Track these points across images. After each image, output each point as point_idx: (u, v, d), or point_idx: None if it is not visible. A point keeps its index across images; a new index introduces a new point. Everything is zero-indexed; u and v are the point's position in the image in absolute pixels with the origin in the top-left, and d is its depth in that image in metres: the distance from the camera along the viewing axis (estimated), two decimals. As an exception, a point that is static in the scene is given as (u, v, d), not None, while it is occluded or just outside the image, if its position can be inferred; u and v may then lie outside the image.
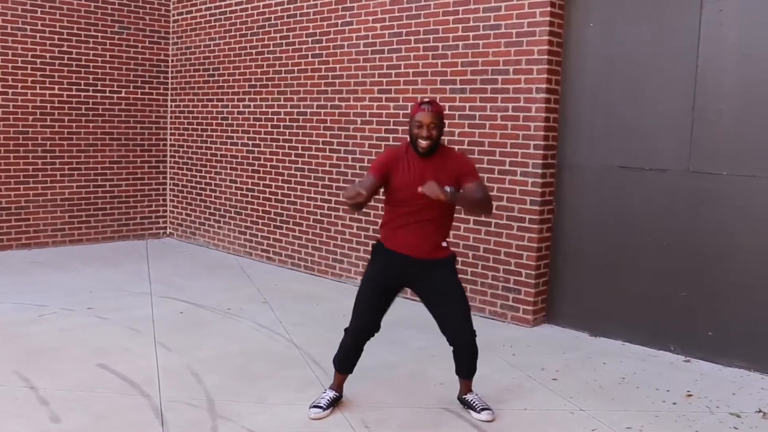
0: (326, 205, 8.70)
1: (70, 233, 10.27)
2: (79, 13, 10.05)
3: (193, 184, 10.70)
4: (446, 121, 4.72)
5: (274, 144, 9.33)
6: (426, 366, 5.76)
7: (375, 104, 8.07)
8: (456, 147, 7.29)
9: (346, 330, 4.81)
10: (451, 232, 7.26)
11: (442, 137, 4.64)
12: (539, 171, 6.77)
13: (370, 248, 4.90)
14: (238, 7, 9.76)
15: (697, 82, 6.02)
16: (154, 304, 7.27)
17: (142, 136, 10.86)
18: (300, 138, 8.96)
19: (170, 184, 11.17)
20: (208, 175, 10.43)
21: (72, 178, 10.23)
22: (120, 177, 10.69)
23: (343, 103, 8.43)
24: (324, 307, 7.33)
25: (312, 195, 8.86)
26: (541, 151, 6.75)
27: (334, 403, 4.82)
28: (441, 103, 4.93)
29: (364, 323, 4.75)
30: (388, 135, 7.91)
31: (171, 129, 11.07)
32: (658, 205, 6.29)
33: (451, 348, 4.85)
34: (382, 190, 4.66)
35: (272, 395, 5.05)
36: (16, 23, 9.55)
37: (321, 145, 8.71)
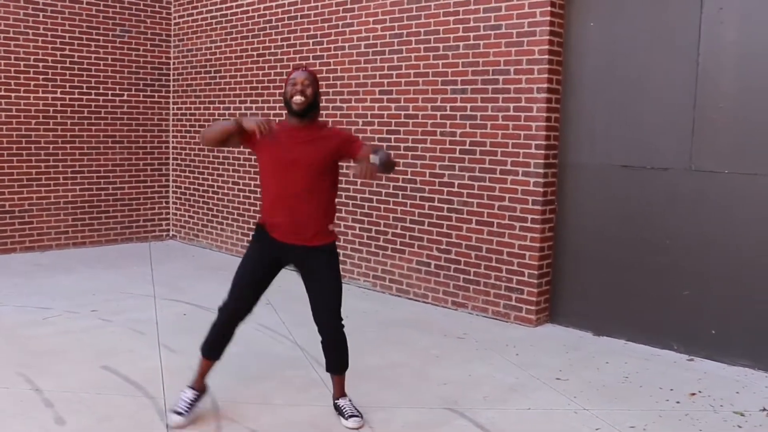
0: (329, 206, 8.70)
1: (74, 236, 10.29)
2: (80, 16, 10.08)
3: (196, 186, 10.72)
4: (321, 90, 4.70)
5: (276, 146, 9.33)
6: (429, 366, 5.77)
7: (376, 105, 8.08)
8: (457, 148, 7.33)
9: (220, 310, 4.65)
10: (453, 233, 7.35)
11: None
12: (541, 171, 6.77)
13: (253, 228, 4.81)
14: (238, 9, 9.78)
15: (698, 81, 6.03)
16: (157, 307, 7.29)
17: (145, 138, 10.89)
18: (302, 139, 8.96)
19: (173, 187, 11.18)
20: (210, 177, 10.44)
21: (75, 181, 10.25)
22: (123, 180, 10.71)
23: (344, 105, 8.44)
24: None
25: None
26: (542, 151, 6.76)
27: (196, 403, 4.66)
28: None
29: (240, 305, 4.60)
30: (389, 136, 7.92)
31: (173, 131, 11.09)
32: (660, 203, 6.30)
33: (322, 342, 4.74)
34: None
35: (276, 396, 5.06)
36: (18, 27, 9.57)
37: (323, 147, 8.71)
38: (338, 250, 4.76)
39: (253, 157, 9.66)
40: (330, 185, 4.60)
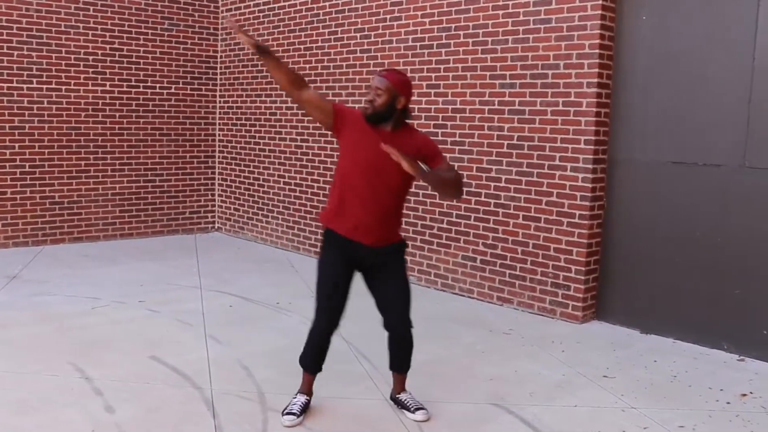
0: (374, 200, 8.69)
1: (121, 227, 10.42)
2: (129, 10, 10.19)
3: (242, 179, 10.79)
4: (403, 98, 4.38)
5: (323, 139, 9.37)
6: (475, 361, 5.75)
7: (424, 99, 8.05)
8: (504, 143, 7.28)
9: (312, 329, 4.60)
10: (500, 228, 7.30)
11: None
12: (590, 166, 6.70)
13: (321, 236, 4.65)
14: (286, 3, 9.81)
15: (753, 75, 5.91)
16: (203, 298, 7.35)
17: (191, 131, 10.98)
18: (348, 133, 8.96)
19: (219, 179, 11.27)
20: (256, 170, 10.50)
21: (123, 173, 10.37)
22: (169, 172, 10.82)
23: (391, 99, 8.41)
24: (373, 301, 7.32)
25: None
26: (591, 147, 6.68)
27: (306, 408, 4.67)
28: (404, 76, 4.54)
29: (330, 318, 4.52)
30: (437, 130, 7.88)
31: (220, 124, 11.17)
32: (712, 200, 6.20)
33: (388, 340, 4.68)
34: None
35: (322, 389, 5.05)
36: (68, 21, 9.70)
37: (369, 141, 8.70)
38: (410, 248, 4.66)
39: (299, 151, 9.70)
40: (405, 191, 4.51)
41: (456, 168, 4.60)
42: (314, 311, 4.56)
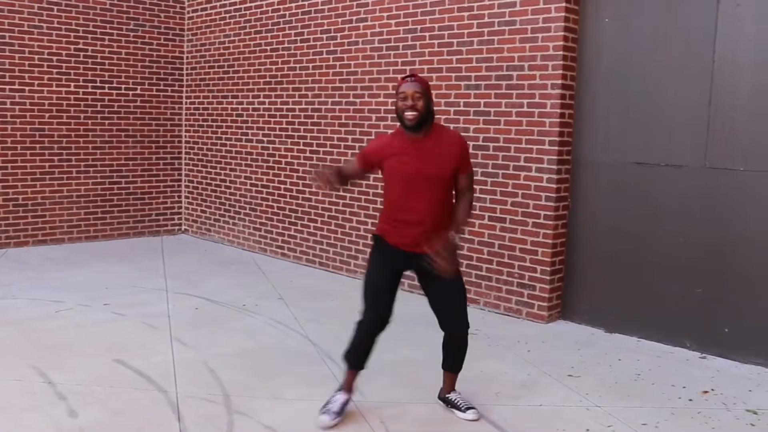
0: (341, 201, 8.71)
1: (86, 230, 10.33)
2: (94, 10, 10.10)
3: (208, 181, 10.74)
4: (434, 98, 4.41)
5: (289, 141, 9.35)
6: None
7: (389, 100, 8.06)
8: (470, 144, 7.30)
9: (359, 323, 4.60)
10: (466, 229, 7.32)
11: (436, 117, 4.50)
12: (554, 167, 6.75)
13: (370, 240, 4.72)
14: (252, 4, 9.78)
15: (713, 78, 5.99)
16: (169, 300, 7.31)
17: (157, 132, 10.91)
18: (315, 134, 8.97)
19: (185, 181, 11.20)
20: (223, 172, 10.46)
21: (88, 175, 10.28)
22: (135, 174, 10.74)
23: (357, 100, 8.44)
24: (339, 303, 7.34)
25: (327, 191, 8.86)
26: (556, 147, 6.74)
27: (347, 405, 4.65)
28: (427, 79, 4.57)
29: (380, 313, 4.51)
30: (402, 131, 7.90)
31: (186, 126, 11.10)
32: (674, 201, 6.27)
33: (443, 339, 4.67)
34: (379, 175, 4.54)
35: (288, 391, 5.06)
36: (32, 21, 9.60)
37: (336, 142, 8.72)
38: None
39: (266, 152, 9.68)
40: (449, 197, 4.52)
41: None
42: (362, 309, 4.57)
